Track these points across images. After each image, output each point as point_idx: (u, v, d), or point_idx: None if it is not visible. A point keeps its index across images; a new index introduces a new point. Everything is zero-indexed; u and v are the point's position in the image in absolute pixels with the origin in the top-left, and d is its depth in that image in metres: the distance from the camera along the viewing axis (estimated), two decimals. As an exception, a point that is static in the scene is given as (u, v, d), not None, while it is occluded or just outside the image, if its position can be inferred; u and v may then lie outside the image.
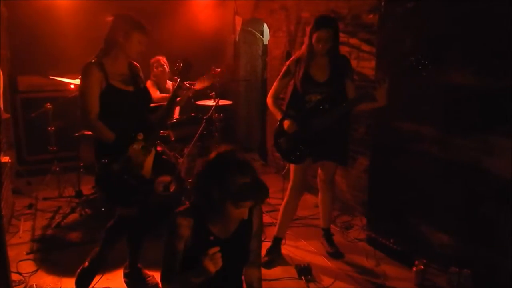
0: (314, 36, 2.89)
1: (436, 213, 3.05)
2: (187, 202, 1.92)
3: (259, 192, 1.72)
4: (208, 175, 1.75)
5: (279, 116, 3.10)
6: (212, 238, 1.82)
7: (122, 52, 2.54)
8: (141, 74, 2.77)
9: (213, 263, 1.68)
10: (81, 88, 2.53)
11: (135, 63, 2.73)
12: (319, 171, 3.34)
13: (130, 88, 2.60)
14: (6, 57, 4.85)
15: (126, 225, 2.78)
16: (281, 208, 3.30)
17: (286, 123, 3.01)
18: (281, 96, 3.44)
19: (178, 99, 2.70)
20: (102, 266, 2.84)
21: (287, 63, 3.13)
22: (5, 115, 4.15)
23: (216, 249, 1.70)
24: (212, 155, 1.79)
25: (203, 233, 1.82)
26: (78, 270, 2.78)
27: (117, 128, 2.50)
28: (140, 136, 2.52)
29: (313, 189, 4.10)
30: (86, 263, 2.79)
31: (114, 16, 2.55)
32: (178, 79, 2.70)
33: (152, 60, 4.63)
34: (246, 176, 1.70)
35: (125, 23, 2.51)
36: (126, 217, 2.74)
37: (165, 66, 4.62)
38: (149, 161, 2.62)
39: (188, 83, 4.63)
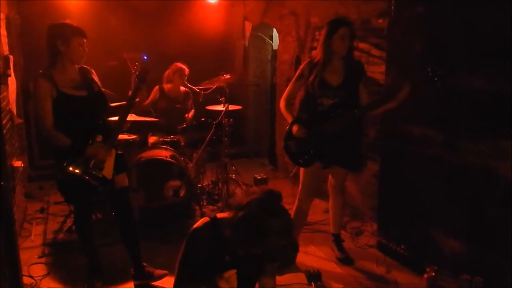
0: (337, 35, 2.90)
1: (447, 218, 3.01)
2: (207, 217, 1.90)
3: (291, 255, 1.71)
4: (247, 222, 1.68)
5: (290, 119, 3.10)
6: (228, 259, 1.78)
7: (66, 59, 2.65)
8: (95, 77, 2.85)
9: (228, 285, 1.68)
10: (34, 101, 2.68)
11: (88, 67, 2.83)
12: (330, 176, 3.32)
13: (83, 93, 2.70)
14: (19, 64, 4.93)
15: (85, 217, 2.93)
16: (292, 213, 3.28)
17: (295, 128, 3.01)
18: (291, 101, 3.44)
19: (137, 99, 2.80)
20: (98, 266, 2.96)
21: (301, 66, 3.14)
22: (18, 120, 4.21)
23: (232, 272, 1.70)
24: (257, 197, 1.71)
25: (221, 250, 1.79)
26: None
27: (75, 132, 2.60)
28: (99, 138, 2.65)
29: (323, 194, 4.09)
30: (86, 273, 2.94)
31: (48, 27, 2.65)
32: (137, 81, 2.78)
33: (175, 67, 4.60)
34: (284, 238, 1.65)
35: (61, 31, 2.62)
36: (82, 211, 2.89)
37: (185, 77, 4.63)
38: (110, 162, 2.71)
39: (198, 89, 4.67)
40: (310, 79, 3.02)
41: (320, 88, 2.98)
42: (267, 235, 1.63)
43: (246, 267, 1.78)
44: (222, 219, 1.83)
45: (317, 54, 3.04)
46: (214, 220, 1.86)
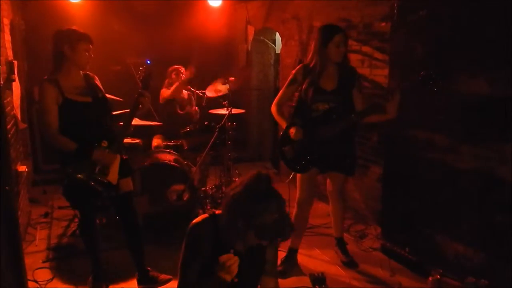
0: (332, 43, 2.88)
1: (451, 222, 3.01)
2: (206, 213, 1.91)
3: (284, 230, 1.70)
4: (238, 204, 1.71)
5: (284, 124, 3.09)
6: (232, 251, 1.77)
7: (72, 64, 2.67)
8: (98, 83, 2.87)
9: (226, 272, 1.67)
10: (39, 106, 2.69)
11: (91, 73, 2.85)
12: (328, 182, 3.30)
13: (88, 99, 2.72)
14: (23, 69, 4.96)
15: (90, 221, 2.93)
16: (292, 219, 3.26)
17: (292, 131, 2.98)
18: (292, 104, 3.44)
19: (140, 106, 2.79)
20: (103, 270, 2.97)
21: (293, 71, 3.11)
22: (22, 125, 4.23)
23: (228, 257, 1.67)
24: (246, 181, 1.74)
25: (222, 245, 1.80)
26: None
27: (80, 138, 2.61)
28: (104, 144, 2.67)
29: (325, 197, 4.08)
30: (90, 277, 2.95)
31: (55, 32, 2.68)
32: (140, 87, 2.79)
33: (171, 69, 4.70)
34: (275, 213, 1.67)
35: (68, 37, 2.64)
36: (87, 215, 2.89)
37: (182, 75, 4.67)
38: (115, 167, 2.72)
39: (201, 92, 4.68)
40: (304, 86, 3.01)
41: (315, 94, 2.96)
42: (256, 213, 1.66)
43: (246, 262, 1.77)
44: (221, 215, 1.82)
45: (311, 60, 3.02)
46: (212, 216, 1.86)
